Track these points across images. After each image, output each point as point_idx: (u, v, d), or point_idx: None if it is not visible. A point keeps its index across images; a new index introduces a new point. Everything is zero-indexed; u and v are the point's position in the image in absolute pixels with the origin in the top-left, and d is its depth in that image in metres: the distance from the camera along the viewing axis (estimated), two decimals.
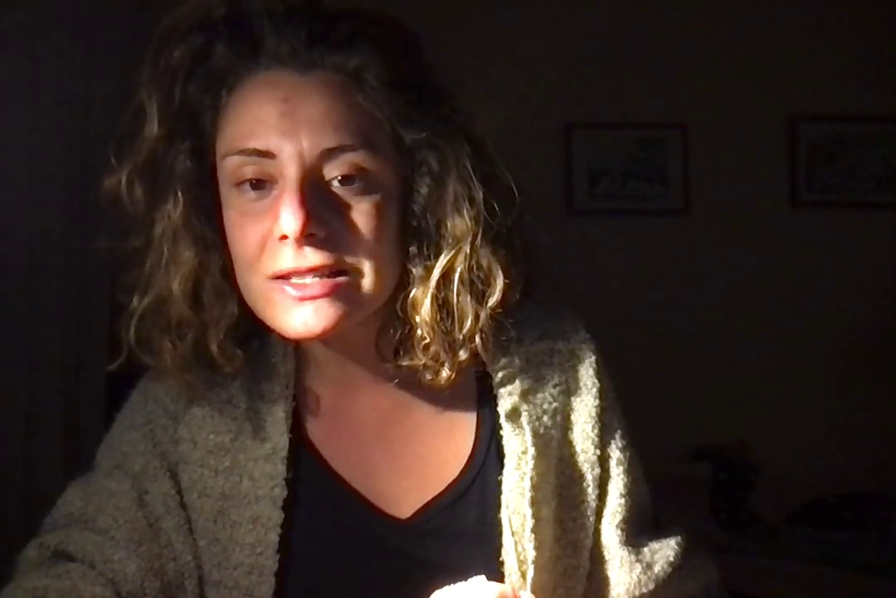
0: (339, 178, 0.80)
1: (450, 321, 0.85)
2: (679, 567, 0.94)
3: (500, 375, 0.91)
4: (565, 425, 0.92)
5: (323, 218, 0.79)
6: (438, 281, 0.84)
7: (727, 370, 3.02)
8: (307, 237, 0.78)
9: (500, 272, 0.85)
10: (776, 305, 3.07)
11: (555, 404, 0.92)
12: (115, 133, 0.85)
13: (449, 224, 0.84)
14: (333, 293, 0.80)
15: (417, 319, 0.85)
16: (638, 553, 0.92)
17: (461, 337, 0.85)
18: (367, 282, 0.82)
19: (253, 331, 0.89)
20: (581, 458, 0.92)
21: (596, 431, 0.92)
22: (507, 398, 0.90)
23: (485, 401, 0.92)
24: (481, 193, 0.84)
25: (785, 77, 3.08)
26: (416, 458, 0.90)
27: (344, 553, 0.87)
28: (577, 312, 0.98)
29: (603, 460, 0.93)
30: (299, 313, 0.80)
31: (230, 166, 0.81)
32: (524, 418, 0.89)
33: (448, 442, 0.91)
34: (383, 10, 0.86)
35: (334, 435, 0.91)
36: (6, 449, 1.99)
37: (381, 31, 0.84)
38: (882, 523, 2.69)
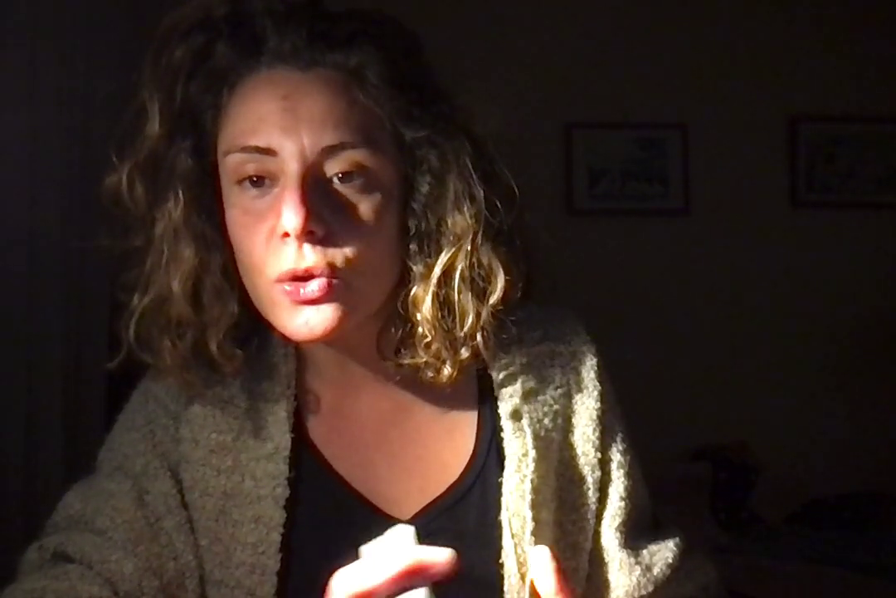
0: (340, 175, 0.80)
1: (451, 319, 0.85)
2: (677, 569, 0.94)
3: (501, 375, 0.91)
4: (566, 428, 0.92)
5: (324, 215, 0.79)
6: (439, 279, 0.84)
7: (727, 370, 3.02)
8: (307, 235, 0.78)
9: (500, 270, 0.85)
10: (776, 305, 3.07)
11: (556, 407, 0.92)
12: (116, 132, 0.85)
13: (449, 222, 0.84)
14: (333, 295, 0.80)
15: (419, 317, 0.85)
16: (637, 556, 0.92)
17: (462, 335, 0.85)
18: (367, 281, 0.82)
19: (253, 331, 0.89)
20: (581, 461, 0.92)
21: (597, 434, 0.92)
22: (508, 400, 0.90)
23: (486, 402, 0.92)
24: (482, 191, 0.84)
25: (785, 77, 3.08)
26: (417, 459, 0.90)
27: (345, 553, 0.87)
28: (578, 314, 0.98)
29: (603, 463, 0.93)
30: (301, 316, 0.80)
31: (231, 164, 0.81)
32: (525, 421, 0.89)
33: (449, 444, 0.91)
34: (384, 10, 0.86)
35: (335, 436, 0.91)
36: (6, 449, 1.99)
37: (381, 31, 0.84)
38: (882, 523, 2.69)
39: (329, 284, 0.79)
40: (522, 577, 0.86)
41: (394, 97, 0.82)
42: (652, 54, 3.03)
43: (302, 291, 0.79)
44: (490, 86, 0.86)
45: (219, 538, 0.86)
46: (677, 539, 0.96)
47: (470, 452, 0.91)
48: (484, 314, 0.85)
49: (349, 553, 0.87)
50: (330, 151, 0.79)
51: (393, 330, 0.87)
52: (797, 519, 2.82)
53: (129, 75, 0.84)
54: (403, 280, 0.86)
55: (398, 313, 0.86)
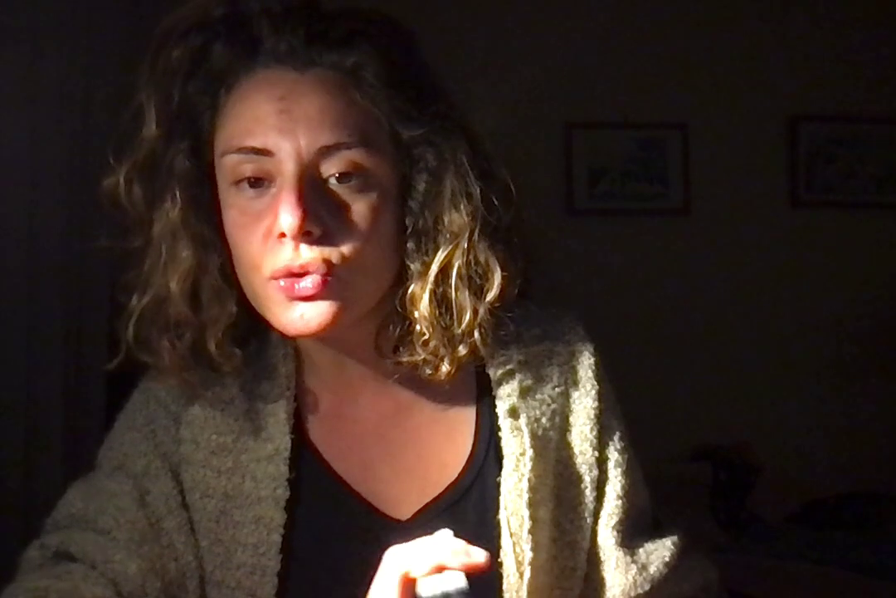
0: (337, 175, 0.80)
1: (448, 316, 0.85)
2: (675, 568, 0.94)
3: (498, 372, 0.91)
4: (564, 427, 0.92)
5: (320, 216, 0.79)
6: (437, 276, 0.84)
7: (727, 370, 3.02)
8: (304, 235, 0.78)
9: (497, 267, 0.85)
10: (776, 305, 3.07)
11: (554, 406, 0.92)
12: (115, 133, 0.85)
13: (446, 220, 0.84)
14: (327, 292, 0.80)
15: (416, 314, 0.85)
16: (633, 554, 0.92)
17: (460, 332, 0.85)
18: (363, 278, 0.82)
19: (252, 331, 0.89)
20: (579, 460, 0.92)
21: (594, 433, 0.92)
22: (505, 399, 0.90)
23: (484, 402, 0.92)
24: (478, 190, 0.84)
25: (785, 77, 3.08)
26: (416, 459, 0.91)
27: (345, 554, 0.87)
28: (576, 313, 0.98)
29: (601, 462, 0.93)
30: (296, 310, 0.80)
31: (228, 164, 0.81)
32: (523, 420, 0.90)
33: (447, 443, 0.91)
34: (383, 9, 0.86)
35: (335, 436, 0.91)
36: (6, 449, 1.99)
37: (378, 30, 0.84)
38: (882, 523, 2.69)
39: (324, 282, 0.79)
40: (520, 576, 0.86)
41: (391, 97, 0.82)
42: (652, 54, 3.02)
43: (296, 286, 0.79)
44: (490, 85, 0.86)
45: (219, 539, 0.86)
46: (675, 538, 0.96)
47: (469, 451, 0.91)
48: (481, 311, 0.85)
49: (349, 554, 0.88)
50: (326, 151, 0.79)
51: (391, 328, 0.87)
52: (797, 519, 2.81)
53: (129, 75, 0.84)
54: (401, 278, 0.86)
55: (396, 311, 0.86)
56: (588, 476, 0.92)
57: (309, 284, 0.79)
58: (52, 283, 2.06)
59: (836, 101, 3.11)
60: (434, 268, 0.84)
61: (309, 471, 0.88)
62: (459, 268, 0.84)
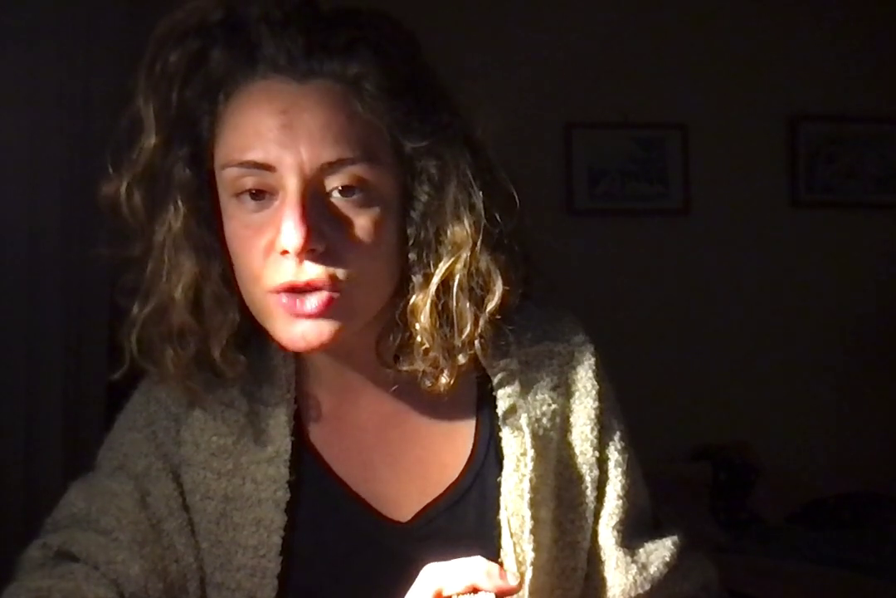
0: (340, 189, 0.79)
1: (449, 327, 0.85)
2: (675, 567, 0.94)
3: (498, 377, 0.91)
4: (564, 427, 0.92)
5: (323, 231, 0.78)
6: (438, 288, 0.84)
7: (727, 370, 3.03)
8: (308, 252, 0.77)
9: (499, 278, 0.84)
10: (776, 305, 3.07)
11: (554, 406, 0.92)
12: (113, 138, 0.85)
13: (448, 231, 0.84)
14: (331, 311, 0.79)
15: (417, 326, 0.84)
16: (633, 554, 0.92)
17: (460, 343, 0.85)
18: (364, 294, 0.81)
19: (252, 334, 0.88)
20: (580, 460, 0.92)
21: (595, 433, 0.92)
22: (505, 400, 0.90)
23: (484, 404, 0.92)
24: (481, 200, 0.84)
25: (785, 77, 3.08)
26: (416, 461, 0.90)
27: (345, 556, 0.87)
28: (575, 314, 0.98)
29: (601, 462, 0.93)
30: (297, 328, 0.80)
31: (229, 177, 0.80)
32: (523, 420, 0.89)
33: (447, 445, 0.91)
34: (382, 10, 0.85)
35: (335, 439, 0.90)
36: (6, 449, 1.99)
37: (380, 36, 0.82)
38: (882, 523, 2.69)
39: (329, 299, 0.79)
40: (521, 576, 0.86)
41: (393, 108, 0.81)
42: (652, 54, 3.02)
43: (299, 304, 0.79)
44: (490, 86, 0.86)
45: (219, 541, 0.86)
46: (675, 538, 0.96)
47: (469, 452, 0.91)
48: (482, 322, 0.85)
49: (349, 556, 0.87)
50: (329, 166, 0.78)
51: (391, 338, 0.86)
52: (797, 519, 2.82)
53: (129, 77, 0.83)
54: (402, 289, 0.85)
55: (396, 322, 0.86)
56: (588, 476, 0.92)
57: (315, 303, 0.79)
58: (53, 283, 2.06)
59: (836, 101, 3.11)
60: (436, 280, 0.84)
61: (309, 473, 0.88)
62: (461, 279, 0.84)
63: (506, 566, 0.86)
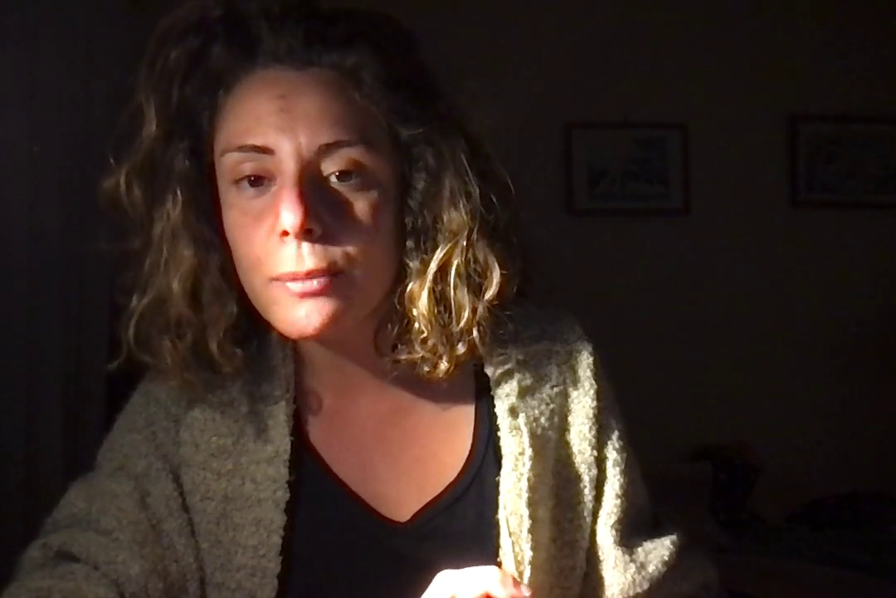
0: (337, 173, 0.80)
1: (447, 315, 0.85)
2: (674, 567, 0.94)
3: (497, 372, 0.91)
4: (563, 427, 0.92)
5: (321, 214, 0.79)
6: (435, 274, 0.84)
7: (727, 370, 3.02)
8: (306, 233, 0.78)
9: (496, 266, 0.85)
10: (776, 305, 3.07)
11: (552, 406, 0.92)
12: (114, 133, 0.85)
13: (445, 219, 0.85)
14: (331, 290, 0.80)
15: (415, 312, 0.85)
16: (632, 553, 0.92)
17: (458, 330, 0.85)
18: (364, 278, 0.82)
19: (252, 332, 0.89)
20: (578, 459, 0.92)
21: (593, 432, 0.92)
22: (504, 399, 0.90)
23: (483, 401, 0.92)
24: (477, 188, 0.85)
25: (785, 77, 3.08)
26: (415, 460, 0.91)
27: (344, 556, 0.88)
28: (574, 314, 0.98)
29: (600, 461, 0.93)
30: (300, 309, 0.80)
31: (228, 163, 0.81)
32: (522, 419, 0.90)
33: (446, 444, 0.91)
34: (381, 9, 0.86)
35: (334, 438, 0.91)
36: (6, 449, 1.99)
37: (378, 31, 0.84)
38: (882, 523, 2.69)
39: (330, 281, 0.80)
40: (520, 575, 0.86)
41: (390, 97, 0.82)
42: (652, 54, 3.02)
43: (301, 285, 0.79)
44: (490, 85, 0.86)
45: (219, 541, 0.86)
46: (674, 537, 0.96)
47: (467, 451, 0.91)
48: (480, 309, 0.85)
49: (349, 556, 0.88)
50: (326, 149, 0.79)
51: (390, 326, 0.87)
52: (797, 519, 2.82)
53: (129, 76, 0.84)
54: (400, 277, 0.86)
55: (395, 310, 0.86)
56: (587, 475, 0.92)
57: (315, 283, 0.79)
58: (53, 282, 2.06)
59: (836, 101, 3.11)
60: (433, 266, 0.84)
61: (309, 473, 0.88)
62: (458, 266, 0.84)
63: (504, 565, 0.87)
